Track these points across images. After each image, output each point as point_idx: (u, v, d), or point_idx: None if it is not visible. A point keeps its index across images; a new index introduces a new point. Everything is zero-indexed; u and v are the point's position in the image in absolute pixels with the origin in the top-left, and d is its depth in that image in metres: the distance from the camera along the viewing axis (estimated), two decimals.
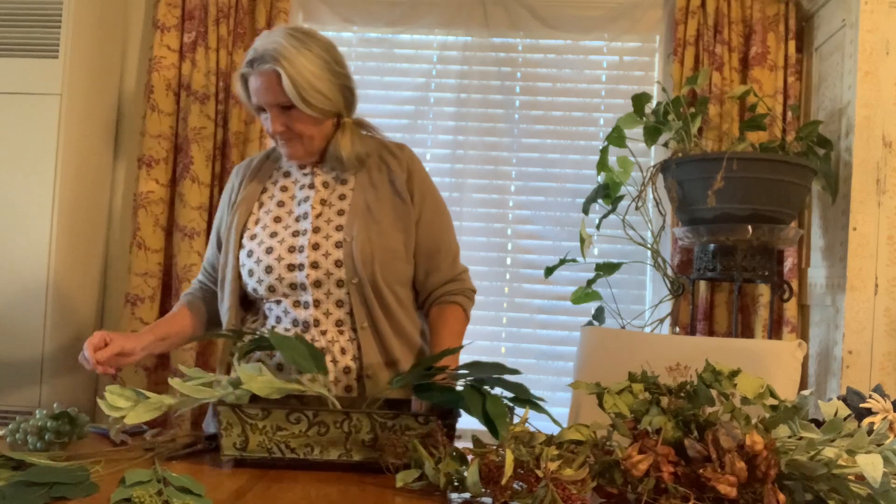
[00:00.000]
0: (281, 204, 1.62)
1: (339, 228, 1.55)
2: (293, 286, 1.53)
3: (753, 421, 1.01)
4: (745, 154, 2.25)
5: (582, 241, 2.49)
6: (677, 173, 2.36)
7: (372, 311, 1.54)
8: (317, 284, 1.53)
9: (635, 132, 2.50)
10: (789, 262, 2.55)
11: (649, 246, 2.58)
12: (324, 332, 1.53)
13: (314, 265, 1.52)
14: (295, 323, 1.54)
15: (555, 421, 1.20)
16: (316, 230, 1.55)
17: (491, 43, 2.83)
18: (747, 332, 2.59)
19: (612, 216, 2.57)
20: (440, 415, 1.20)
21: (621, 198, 2.54)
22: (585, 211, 2.58)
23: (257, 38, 1.54)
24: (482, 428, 1.15)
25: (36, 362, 2.45)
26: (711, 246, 2.36)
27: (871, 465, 0.93)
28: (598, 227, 2.58)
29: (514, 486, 1.00)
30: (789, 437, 1.04)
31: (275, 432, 1.18)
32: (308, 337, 1.52)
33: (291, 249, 1.54)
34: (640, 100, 2.44)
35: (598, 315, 2.61)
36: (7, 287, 2.46)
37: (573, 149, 2.82)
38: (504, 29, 2.81)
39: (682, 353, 1.70)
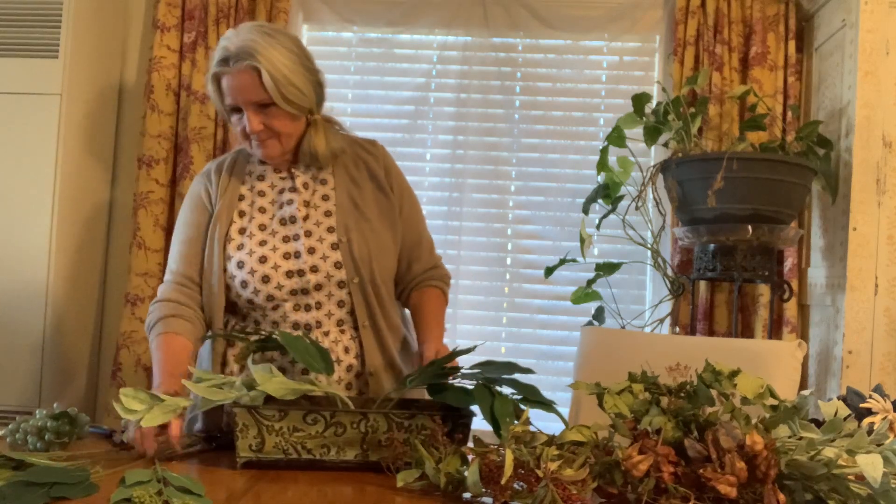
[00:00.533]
0: (262, 210, 1.57)
1: (330, 230, 1.55)
2: (293, 292, 1.52)
3: (753, 421, 1.01)
4: (745, 154, 2.25)
5: (582, 241, 2.49)
6: (677, 173, 2.36)
7: (371, 309, 1.55)
8: (318, 287, 1.52)
9: (635, 132, 2.50)
10: (789, 262, 2.55)
11: (649, 246, 2.58)
12: (326, 334, 1.53)
13: (314, 269, 1.52)
14: (295, 326, 1.53)
15: (565, 422, 1.20)
16: (308, 234, 1.54)
17: (491, 43, 2.83)
18: (747, 332, 2.59)
19: (612, 216, 2.57)
20: (455, 415, 1.20)
21: (621, 198, 2.54)
22: (585, 211, 2.58)
23: (222, 38, 1.50)
24: (482, 427, 1.15)
25: (36, 362, 2.45)
26: (711, 246, 2.36)
27: (871, 465, 0.93)
28: (598, 227, 2.58)
29: (515, 486, 1.00)
30: (789, 437, 1.04)
31: (291, 433, 1.18)
32: None
33: (287, 256, 1.52)
34: (640, 100, 2.44)
35: (598, 315, 2.61)
36: (7, 287, 2.46)
37: (573, 149, 2.82)
38: (504, 29, 2.81)
39: (682, 353, 1.70)
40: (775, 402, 1.06)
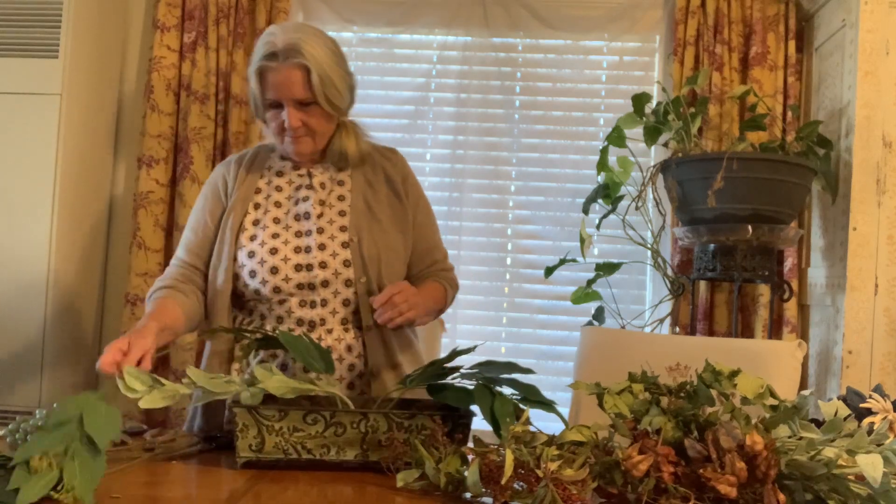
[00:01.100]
0: (278, 204, 1.60)
1: (342, 229, 1.57)
2: (300, 286, 1.53)
3: (753, 421, 1.01)
4: (745, 154, 2.25)
5: (582, 241, 2.49)
6: (677, 173, 2.36)
7: (376, 311, 1.55)
8: (325, 284, 1.54)
9: (635, 132, 2.50)
10: (789, 262, 2.55)
11: (649, 246, 2.58)
12: (330, 331, 1.54)
13: (322, 265, 1.53)
14: (300, 322, 1.54)
15: (565, 422, 1.20)
16: (320, 231, 1.56)
17: (491, 43, 2.83)
18: (747, 332, 2.59)
19: (612, 216, 2.57)
20: (455, 415, 1.20)
21: (621, 198, 2.54)
22: (585, 211, 2.58)
23: (267, 33, 1.52)
24: (482, 427, 1.15)
25: (36, 362, 2.45)
26: (711, 246, 2.36)
27: (871, 465, 0.93)
28: (598, 227, 2.58)
29: (515, 486, 1.00)
30: (789, 437, 1.04)
31: (291, 433, 1.18)
32: (314, 336, 1.52)
33: (297, 250, 1.55)
34: (640, 100, 2.44)
35: (598, 315, 2.61)
36: (7, 287, 2.46)
37: (573, 149, 2.82)
38: (504, 29, 2.81)
39: (682, 353, 1.70)
40: (775, 402, 1.06)
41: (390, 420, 1.19)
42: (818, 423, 1.07)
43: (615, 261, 2.59)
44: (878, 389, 1.29)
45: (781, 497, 0.93)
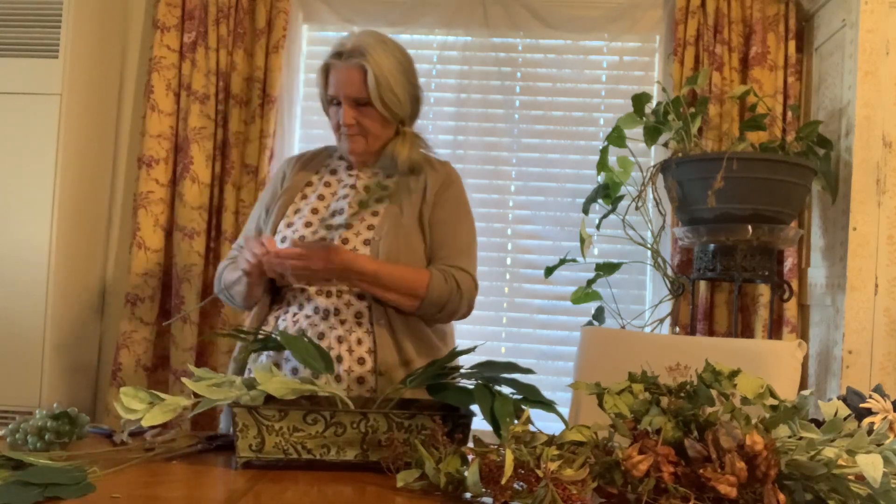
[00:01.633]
0: (321, 198, 1.68)
1: (370, 228, 1.62)
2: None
3: (753, 421, 1.01)
4: (745, 154, 2.25)
5: (582, 241, 2.49)
6: (677, 173, 2.36)
7: (388, 310, 1.59)
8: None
9: (635, 132, 2.50)
10: (789, 262, 2.55)
11: (649, 246, 2.58)
12: (343, 322, 1.58)
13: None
14: (316, 310, 1.59)
15: (565, 422, 1.20)
16: (349, 226, 1.61)
17: (491, 43, 2.83)
18: (747, 332, 2.59)
19: (612, 216, 2.57)
20: (455, 415, 1.20)
21: (621, 198, 2.54)
22: (585, 211, 2.58)
23: (343, 36, 1.64)
24: (482, 427, 1.15)
25: (36, 362, 2.45)
26: (711, 246, 2.36)
27: (871, 465, 0.93)
28: (598, 227, 2.58)
29: (515, 486, 1.00)
30: (789, 437, 1.03)
31: (291, 433, 1.18)
32: (327, 325, 1.57)
33: (322, 241, 1.60)
34: (640, 100, 2.44)
35: (598, 315, 2.61)
36: (7, 287, 2.46)
37: (573, 149, 2.82)
38: (504, 29, 2.81)
39: (682, 353, 1.70)
40: (775, 402, 1.06)
41: (390, 420, 1.19)
42: (818, 423, 1.07)
43: (615, 261, 2.59)
44: (878, 389, 1.29)
45: (781, 497, 0.93)
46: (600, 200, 2.57)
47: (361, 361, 1.57)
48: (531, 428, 1.09)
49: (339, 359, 1.56)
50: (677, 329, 2.59)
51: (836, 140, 2.36)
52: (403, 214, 1.64)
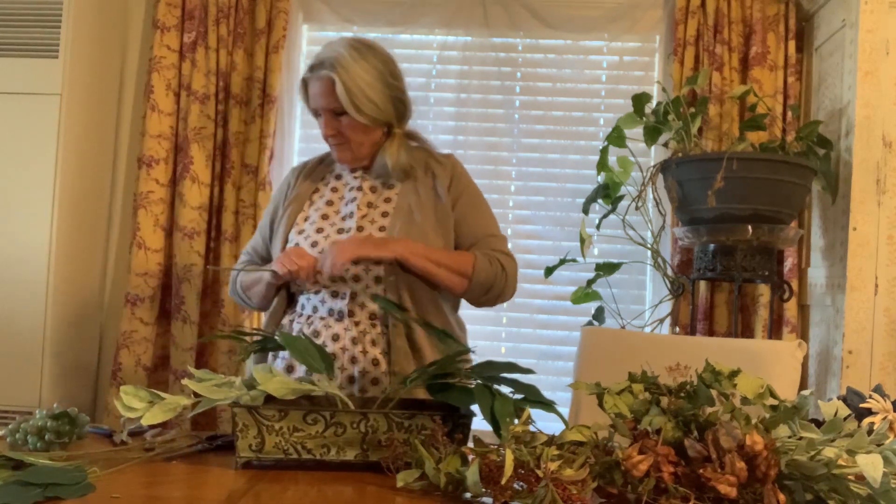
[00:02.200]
0: (330, 203, 1.70)
1: (381, 229, 1.63)
2: (333, 279, 1.59)
3: (753, 421, 1.01)
4: (745, 154, 2.25)
5: (582, 241, 2.49)
6: (677, 173, 2.36)
7: (404, 308, 1.59)
8: (356, 279, 1.60)
9: (635, 132, 2.50)
10: (789, 262, 2.55)
11: (649, 246, 2.58)
12: (357, 323, 1.60)
13: (355, 261, 1.56)
14: (330, 312, 1.61)
15: (565, 422, 1.20)
16: (360, 229, 1.63)
17: (491, 43, 2.83)
18: (747, 332, 2.59)
19: (612, 216, 2.57)
20: (455, 415, 1.20)
21: (621, 198, 2.54)
22: (585, 211, 2.58)
23: (321, 48, 1.64)
24: (482, 427, 1.15)
25: (36, 362, 2.45)
26: (711, 246, 2.36)
27: (871, 465, 0.93)
28: (598, 227, 2.58)
29: (515, 486, 1.00)
30: (789, 437, 1.03)
31: (291, 433, 1.18)
32: (342, 326, 1.59)
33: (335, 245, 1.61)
34: (640, 100, 2.44)
35: (598, 315, 2.61)
36: (7, 287, 2.46)
37: (573, 149, 2.82)
38: (504, 29, 2.81)
39: (682, 353, 1.70)
40: (775, 402, 1.06)
41: (390, 420, 1.19)
42: (818, 423, 1.07)
43: (615, 261, 2.59)
44: (878, 389, 1.29)
45: (781, 497, 0.93)
46: (600, 200, 2.57)
47: (375, 363, 1.58)
48: (531, 428, 1.09)
49: (354, 360, 1.58)
50: (677, 329, 2.59)
51: (836, 140, 2.36)
52: (415, 213, 1.64)
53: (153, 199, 2.71)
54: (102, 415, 2.72)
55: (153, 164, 2.71)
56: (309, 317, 1.63)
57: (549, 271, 2.60)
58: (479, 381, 1.22)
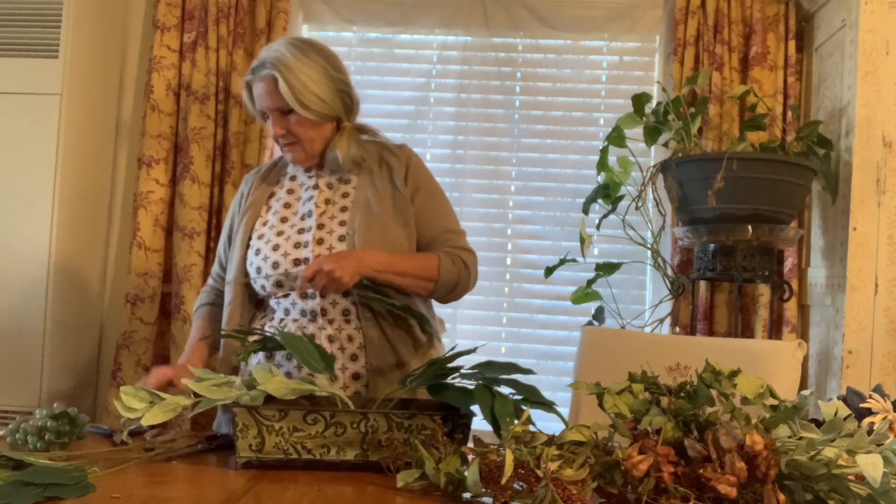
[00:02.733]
0: (287, 205, 1.68)
1: (342, 223, 1.62)
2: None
3: (753, 421, 1.01)
4: (745, 154, 2.25)
5: (582, 241, 2.49)
6: (677, 173, 2.36)
7: (372, 302, 1.58)
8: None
9: (635, 132, 2.50)
10: (789, 262, 2.54)
11: (649, 246, 2.58)
12: (331, 321, 1.59)
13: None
14: (303, 313, 1.60)
15: (565, 422, 1.20)
16: (320, 227, 1.62)
17: (491, 43, 2.83)
18: (747, 332, 2.59)
19: (612, 216, 2.57)
20: (455, 415, 1.20)
21: (621, 198, 2.54)
22: (585, 211, 2.58)
23: (262, 50, 1.63)
24: (482, 427, 1.15)
25: (36, 362, 2.45)
26: (711, 246, 2.36)
27: (871, 465, 0.93)
28: (598, 227, 2.58)
29: (515, 486, 1.00)
30: (789, 437, 1.04)
31: (291, 433, 1.18)
32: (316, 326, 1.58)
33: (297, 245, 1.61)
34: (640, 100, 2.44)
35: (598, 315, 2.61)
36: (7, 287, 2.46)
37: (573, 149, 2.82)
38: (504, 29, 2.81)
39: (682, 353, 1.70)
40: (775, 402, 1.06)
41: (390, 420, 1.19)
42: (818, 423, 1.07)
43: (615, 261, 2.59)
44: (878, 389, 1.29)
45: (781, 497, 0.93)
46: (600, 200, 2.57)
47: (354, 358, 1.58)
48: (531, 428, 1.09)
49: (333, 357, 1.56)
50: (677, 329, 2.59)
51: (836, 140, 2.36)
52: (374, 206, 1.63)
53: (153, 199, 2.71)
54: (102, 415, 2.72)
55: (153, 164, 2.70)
56: (282, 320, 1.62)
57: (549, 271, 2.60)
58: (479, 382, 1.22)
